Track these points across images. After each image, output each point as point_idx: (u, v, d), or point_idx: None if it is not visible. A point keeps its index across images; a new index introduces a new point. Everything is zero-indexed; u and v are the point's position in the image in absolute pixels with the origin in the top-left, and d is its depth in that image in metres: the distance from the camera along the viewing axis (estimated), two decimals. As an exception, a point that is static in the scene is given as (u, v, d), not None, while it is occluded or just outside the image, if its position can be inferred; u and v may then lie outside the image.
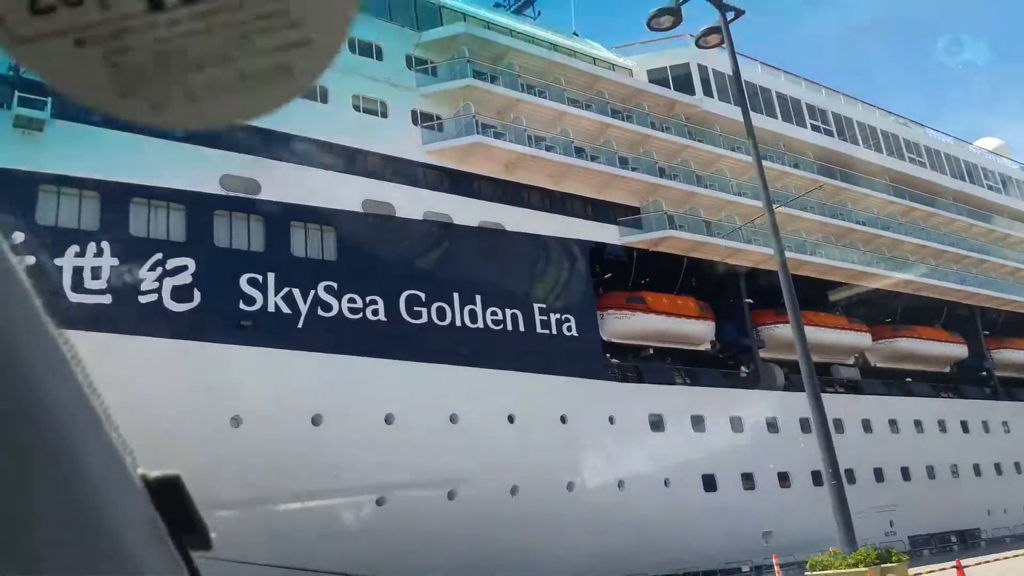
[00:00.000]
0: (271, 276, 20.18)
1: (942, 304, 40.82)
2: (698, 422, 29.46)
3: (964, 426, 38.37)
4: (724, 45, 17.97)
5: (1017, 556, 11.54)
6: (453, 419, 22.29)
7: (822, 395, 34.48)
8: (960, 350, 41.40)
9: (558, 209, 29.07)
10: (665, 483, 27.28)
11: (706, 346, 32.77)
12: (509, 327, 25.90)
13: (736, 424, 30.24)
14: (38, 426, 0.51)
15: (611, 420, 27.03)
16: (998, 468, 38.35)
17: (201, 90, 0.49)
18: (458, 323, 24.45)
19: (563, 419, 25.65)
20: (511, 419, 24.32)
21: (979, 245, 43.79)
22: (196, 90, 0.49)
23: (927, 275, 39.38)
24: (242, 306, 19.34)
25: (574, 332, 27.55)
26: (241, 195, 20.89)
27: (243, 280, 19.79)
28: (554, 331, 27.01)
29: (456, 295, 24.54)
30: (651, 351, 31.69)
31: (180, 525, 0.63)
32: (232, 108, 0.49)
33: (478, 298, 25.03)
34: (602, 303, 29.79)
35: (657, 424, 28.57)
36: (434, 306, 23.89)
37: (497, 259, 26.03)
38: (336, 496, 18.30)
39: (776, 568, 17.34)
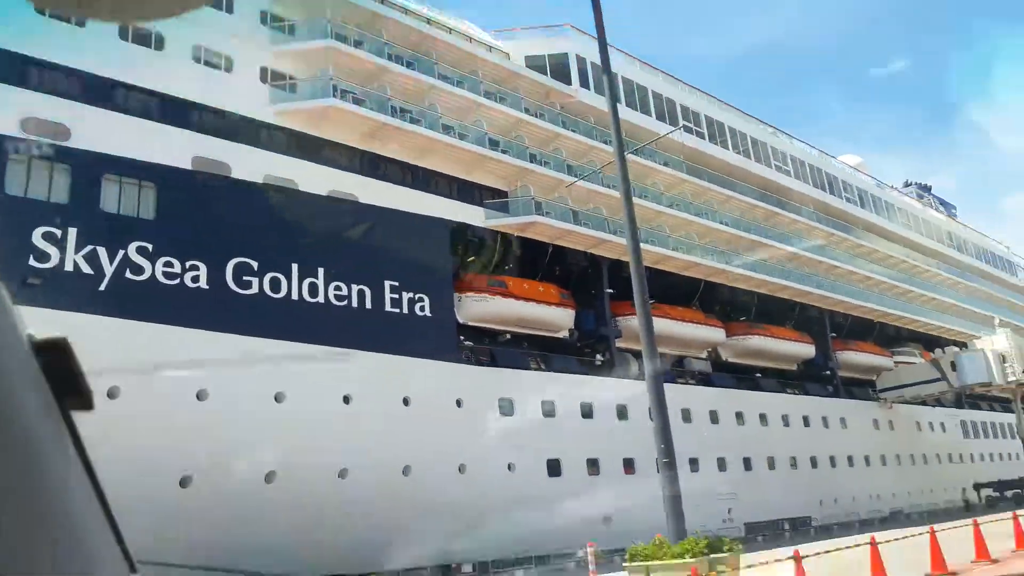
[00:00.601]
0: (72, 231, 18.34)
1: (794, 306, 42.65)
2: (548, 408, 29.40)
3: (805, 421, 40.28)
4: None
5: (856, 546, 11.67)
6: (278, 398, 21.14)
7: (674, 385, 35.51)
8: (808, 350, 43.42)
9: (421, 186, 28.23)
10: (509, 467, 27.05)
11: (565, 333, 32.81)
12: (355, 304, 24.87)
13: (586, 410, 30.39)
14: None
15: (459, 403, 26.54)
16: (832, 461, 40.50)
17: None
18: (295, 296, 23.21)
19: (406, 401, 24.94)
20: (347, 400, 23.38)
21: (833, 253, 45.95)
22: None
23: (781, 277, 40.95)
24: (32, 262, 17.46)
25: (427, 313, 26.82)
26: (45, 139, 18.85)
27: (37, 234, 17.89)
28: (405, 310, 26.20)
29: (295, 267, 23.29)
30: (508, 336, 31.40)
31: (64, 386, 0.62)
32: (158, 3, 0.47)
33: (320, 271, 23.88)
34: (462, 285, 29.21)
35: (506, 408, 28.30)
36: (268, 277, 22.57)
37: (346, 232, 24.89)
38: (132, 476, 16.81)
39: (591, 555, 17.04)
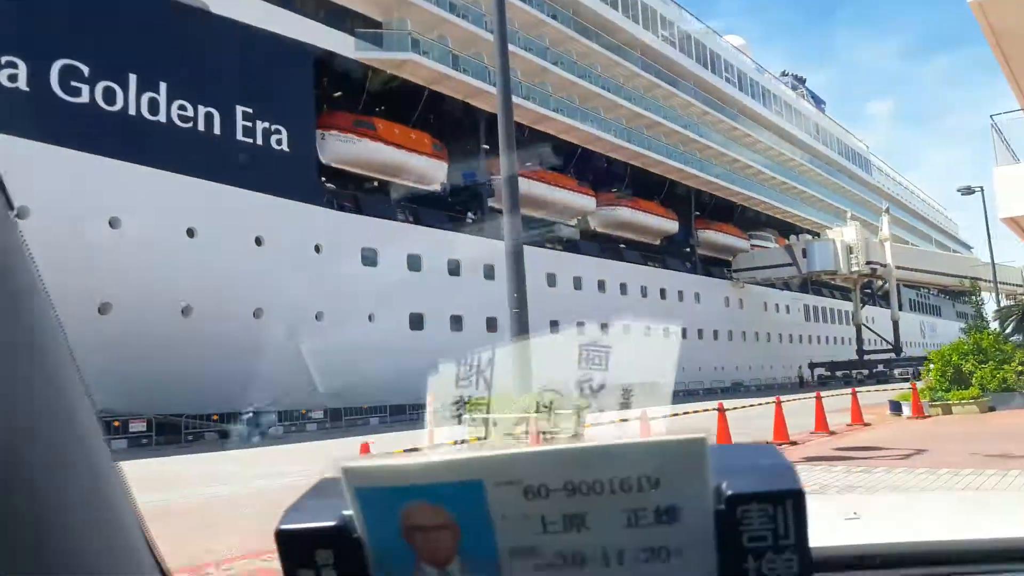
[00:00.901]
0: None
1: (664, 182, 42.90)
2: (415, 261, 28.28)
3: (662, 293, 41.45)
4: None
5: (703, 411, 11.45)
6: (113, 223, 18.92)
7: (541, 250, 35.14)
8: (672, 225, 44.25)
9: (283, 2, 25.11)
10: (369, 318, 26.01)
11: (436, 187, 31.36)
12: (201, 128, 22.26)
13: (453, 267, 29.53)
14: None
15: (317, 249, 24.89)
16: (684, 333, 42.06)
17: None
18: (132, 111, 20.41)
19: (258, 241, 23.04)
20: (191, 233, 21.26)
21: (708, 132, 46.24)
22: None
23: (656, 151, 40.85)
24: None
25: (284, 147, 24.54)
26: None
27: None
28: (259, 141, 23.80)
29: (134, 77, 20.36)
30: (376, 184, 29.64)
31: None
32: None
33: (163, 86, 21.06)
34: (325, 122, 26.94)
35: (370, 259, 26.94)
36: (100, 85, 19.62)
37: (195, 45, 21.91)
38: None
39: (430, 405, 16.37)
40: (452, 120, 31.72)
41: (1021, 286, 58.38)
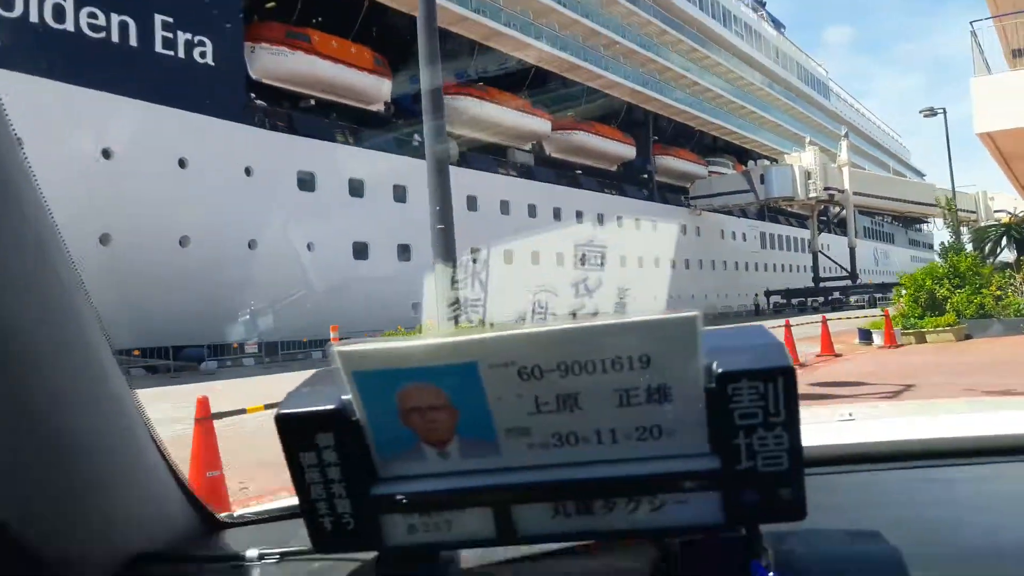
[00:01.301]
0: None
1: (622, 105, 41.39)
2: (357, 186, 26.70)
3: (619, 221, 40.37)
4: None
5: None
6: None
7: (495, 176, 33.73)
8: (629, 151, 42.99)
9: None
10: (308, 247, 24.55)
11: (379, 107, 29.54)
12: (116, 38, 20.17)
13: (399, 194, 28.02)
14: None
15: (248, 171, 23.19)
16: (640, 261, 41.35)
17: None
18: (33, 18, 18.31)
19: (182, 163, 21.28)
20: (107, 154, 19.45)
21: (668, 54, 44.54)
22: None
23: (614, 73, 39.21)
24: None
25: (209, 60, 22.51)
26: None
27: None
28: (181, 54, 21.75)
29: (29, -25, 18.20)
30: (312, 102, 27.74)
31: None
32: None
33: (67, -12, 18.91)
34: (254, 33, 24.84)
35: (307, 183, 25.31)
36: (-8, -13, 17.49)
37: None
38: None
39: (334, 341, 15.10)
40: (396, 34, 29.62)
41: (972, 212, 58.83)
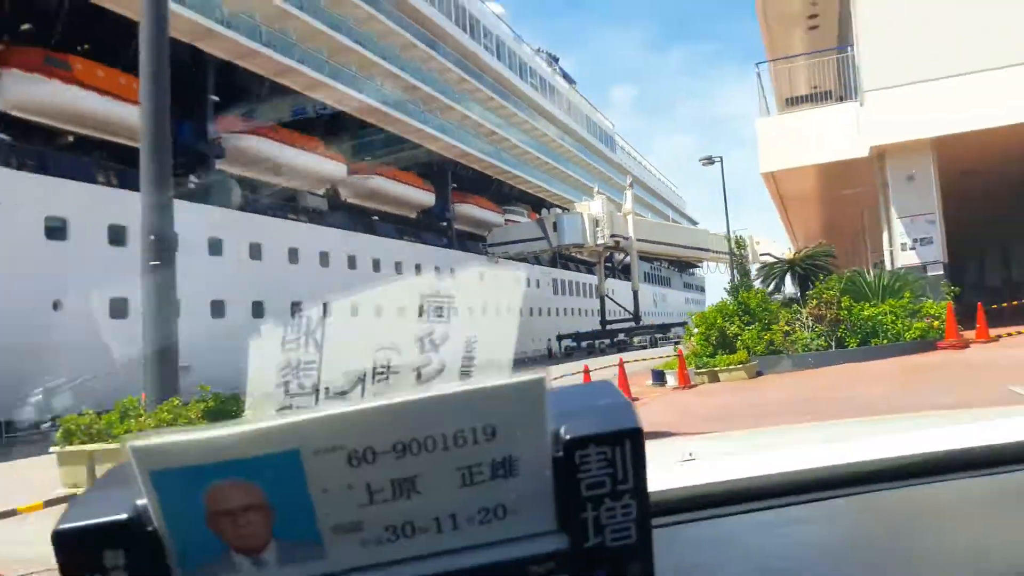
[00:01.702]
0: None
1: (422, 150, 40.70)
2: (118, 234, 23.50)
3: (418, 269, 39.44)
4: None
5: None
6: None
7: (284, 221, 31.48)
8: (428, 197, 42.37)
9: None
10: (54, 306, 21.13)
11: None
12: None
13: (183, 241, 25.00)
14: None
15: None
16: (485, 310, 40.68)
17: None
18: None
19: None
20: None
21: (467, 101, 44.62)
22: None
23: (412, 117, 38.47)
24: None
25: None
26: None
27: None
28: None
29: None
30: (71, 139, 24.29)
31: None
32: None
33: None
34: (3, 58, 21.29)
35: (58, 232, 21.87)
36: None
37: None
38: None
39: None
40: (174, 65, 26.77)
41: (736, 254, 64.61)
